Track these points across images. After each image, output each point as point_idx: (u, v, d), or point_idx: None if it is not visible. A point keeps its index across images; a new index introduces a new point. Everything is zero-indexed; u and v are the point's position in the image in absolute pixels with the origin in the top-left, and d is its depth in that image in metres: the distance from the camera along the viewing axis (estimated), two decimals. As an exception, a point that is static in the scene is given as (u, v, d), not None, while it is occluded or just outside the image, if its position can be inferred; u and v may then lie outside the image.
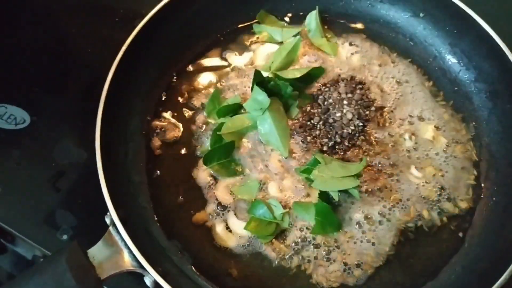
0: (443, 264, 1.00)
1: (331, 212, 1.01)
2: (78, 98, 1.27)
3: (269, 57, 1.19)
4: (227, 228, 1.02)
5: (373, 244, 1.00)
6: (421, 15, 1.21)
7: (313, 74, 1.15)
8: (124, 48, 1.07)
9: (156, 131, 1.13)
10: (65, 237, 1.08)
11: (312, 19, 1.23)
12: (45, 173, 1.16)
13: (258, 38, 1.24)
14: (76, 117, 1.24)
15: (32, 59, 1.33)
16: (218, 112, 1.11)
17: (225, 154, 1.08)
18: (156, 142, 1.11)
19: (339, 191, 1.00)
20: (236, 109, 1.12)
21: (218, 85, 1.18)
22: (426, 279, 0.99)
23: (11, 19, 1.39)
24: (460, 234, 1.03)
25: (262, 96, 1.04)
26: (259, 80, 1.07)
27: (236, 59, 1.21)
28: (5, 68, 1.31)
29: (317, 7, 1.23)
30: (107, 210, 0.92)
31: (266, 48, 1.21)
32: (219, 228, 1.02)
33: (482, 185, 1.07)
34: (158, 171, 1.09)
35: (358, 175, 1.00)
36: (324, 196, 1.01)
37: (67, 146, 1.20)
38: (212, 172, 1.07)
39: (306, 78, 1.13)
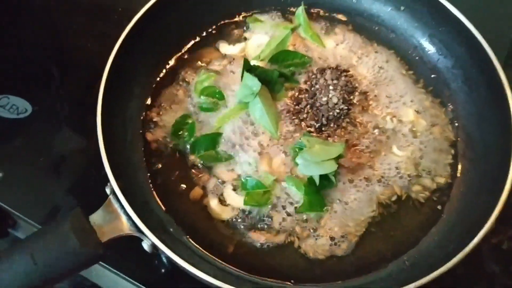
0: (423, 234, 1.06)
1: (319, 193, 1.07)
2: (78, 89, 1.33)
3: (260, 47, 1.25)
4: (221, 202, 1.08)
5: (356, 217, 1.07)
6: (402, 8, 1.29)
7: (300, 61, 1.23)
8: (122, 36, 1.12)
9: (153, 120, 1.19)
10: (65, 218, 1.13)
11: (300, 14, 1.31)
12: (46, 159, 1.21)
13: (251, 30, 1.31)
14: (76, 106, 1.31)
15: (33, 54, 1.39)
16: (201, 91, 1.19)
17: (212, 145, 1.13)
18: (152, 134, 1.17)
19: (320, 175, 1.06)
20: (216, 93, 1.19)
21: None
22: (407, 248, 1.05)
23: (13, 17, 1.46)
24: (439, 207, 1.09)
25: (252, 81, 1.10)
26: (248, 68, 1.14)
27: (228, 48, 1.28)
28: (7, 61, 1.37)
29: (302, 3, 1.31)
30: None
31: (257, 38, 1.28)
32: (214, 203, 1.08)
33: (459, 163, 1.14)
34: (156, 153, 1.15)
35: (338, 157, 1.06)
36: (312, 178, 1.07)
37: (67, 134, 1.26)
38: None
39: (293, 64, 1.22)
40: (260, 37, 1.28)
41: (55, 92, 1.33)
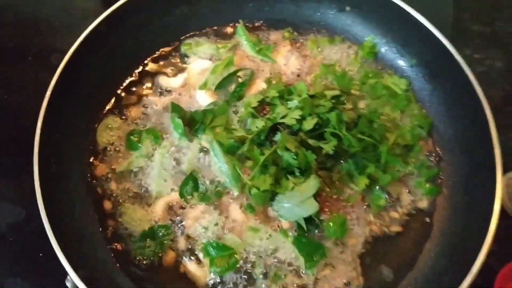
0: (418, 252, 1.01)
1: (311, 241, 0.99)
2: (6, 153, 1.19)
3: (203, 73, 1.15)
4: (198, 262, 0.98)
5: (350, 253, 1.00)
6: (348, 9, 1.21)
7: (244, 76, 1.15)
8: (49, 91, 1.00)
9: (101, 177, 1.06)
10: (19, 307, 1.01)
11: (240, 32, 1.21)
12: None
13: (189, 57, 1.20)
14: (7, 173, 1.17)
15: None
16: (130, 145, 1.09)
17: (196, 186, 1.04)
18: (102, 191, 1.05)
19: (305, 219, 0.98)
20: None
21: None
22: (406, 270, 0.99)
23: None
24: (427, 220, 1.04)
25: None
26: (177, 112, 1.07)
27: (169, 81, 1.16)
28: None
29: (240, 20, 1.22)
30: (62, 270, 0.85)
31: (198, 65, 1.17)
32: (192, 266, 0.97)
33: (440, 166, 1.09)
34: (111, 218, 1.02)
35: (316, 194, 0.97)
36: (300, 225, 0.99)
37: (2, 206, 1.12)
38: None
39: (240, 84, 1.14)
40: (200, 63, 1.17)
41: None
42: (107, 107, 1.12)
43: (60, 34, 1.34)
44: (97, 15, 1.09)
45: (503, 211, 1.06)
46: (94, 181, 1.05)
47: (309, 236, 0.99)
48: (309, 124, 0.99)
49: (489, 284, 0.98)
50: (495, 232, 0.90)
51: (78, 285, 0.80)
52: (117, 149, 1.08)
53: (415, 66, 1.16)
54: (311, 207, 0.95)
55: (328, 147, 0.97)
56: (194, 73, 1.16)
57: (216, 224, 1.00)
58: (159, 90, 1.15)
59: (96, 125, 1.10)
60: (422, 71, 1.15)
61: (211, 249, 0.97)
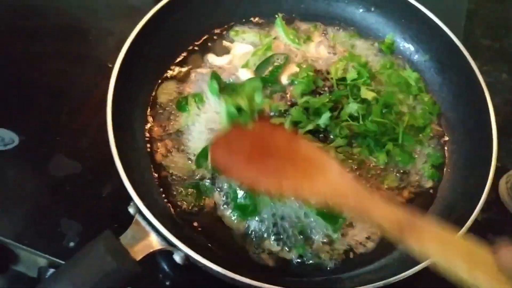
0: (423, 214, 1.15)
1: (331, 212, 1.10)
2: (66, 115, 1.32)
3: (245, 56, 1.32)
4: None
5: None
6: (372, 9, 1.40)
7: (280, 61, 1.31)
8: (117, 65, 1.11)
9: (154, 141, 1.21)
10: (71, 244, 1.12)
11: (278, 23, 1.39)
12: (43, 187, 1.20)
13: (235, 41, 1.37)
14: (66, 132, 1.29)
15: (11, 83, 1.36)
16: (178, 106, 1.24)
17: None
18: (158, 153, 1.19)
19: None
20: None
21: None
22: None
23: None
24: (431, 191, 1.20)
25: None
26: (215, 79, 1.23)
27: (216, 60, 1.33)
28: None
29: (279, 14, 1.40)
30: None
31: (241, 48, 1.34)
32: (227, 212, 1.11)
33: (445, 146, 1.26)
34: (162, 168, 1.16)
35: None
36: None
37: (61, 160, 1.24)
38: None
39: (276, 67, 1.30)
40: (244, 47, 1.35)
41: (43, 121, 1.31)
42: (164, 76, 1.29)
43: (117, 21, 1.50)
44: (150, 5, 1.23)
45: (503, 207, 1.25)
46: (150, 137, 1.20)
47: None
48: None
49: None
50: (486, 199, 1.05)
51: (141, 208, 0.94)
52: (170, 111, 1.24)
53: (428, 61, 1.34)
54: None
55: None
56: (237, 55, 1.33)
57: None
58: (207, 66, 1.32)
59: (154, 92, 1.26)
60: (433, 65, 1.33)
61: (238, 197, 1.11)
